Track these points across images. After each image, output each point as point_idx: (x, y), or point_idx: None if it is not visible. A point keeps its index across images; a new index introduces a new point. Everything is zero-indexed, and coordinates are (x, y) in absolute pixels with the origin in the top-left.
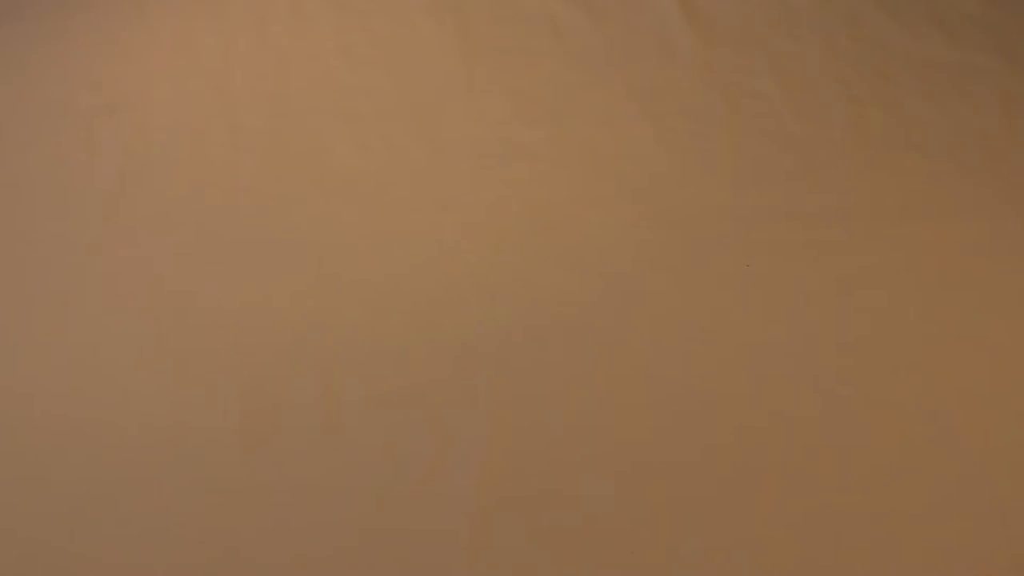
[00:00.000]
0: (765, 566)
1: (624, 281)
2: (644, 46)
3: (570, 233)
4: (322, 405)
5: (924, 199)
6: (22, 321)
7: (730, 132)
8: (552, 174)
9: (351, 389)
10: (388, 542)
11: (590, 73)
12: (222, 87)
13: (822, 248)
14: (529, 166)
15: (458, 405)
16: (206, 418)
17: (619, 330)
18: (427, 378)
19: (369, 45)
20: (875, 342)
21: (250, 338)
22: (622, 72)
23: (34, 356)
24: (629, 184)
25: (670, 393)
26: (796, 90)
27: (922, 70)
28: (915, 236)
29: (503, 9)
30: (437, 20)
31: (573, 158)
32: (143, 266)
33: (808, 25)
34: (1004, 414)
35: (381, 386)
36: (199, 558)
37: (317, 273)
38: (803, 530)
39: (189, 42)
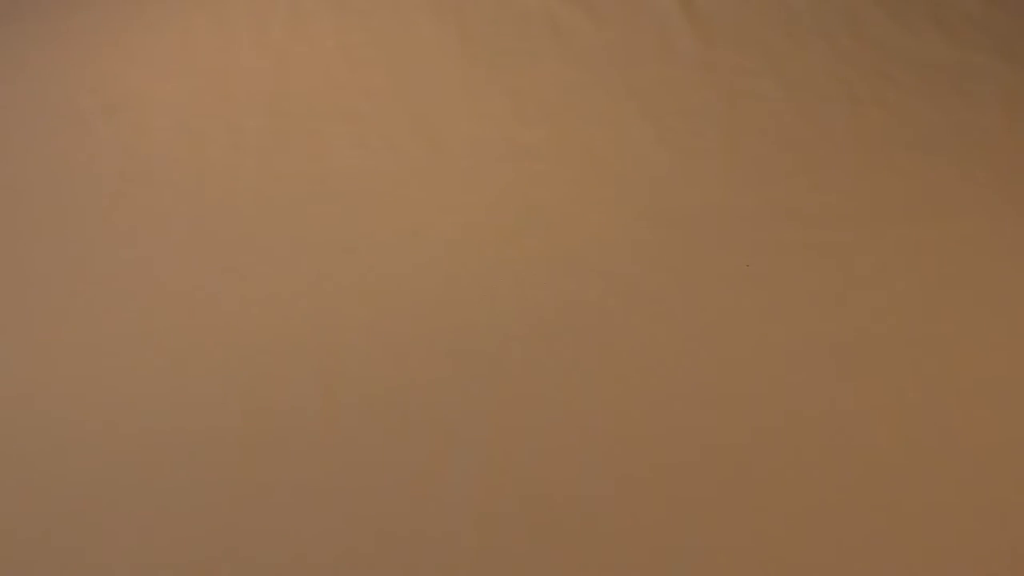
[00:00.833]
0: (765, 566)
1: (624, 281)
2: (644, 46)
3: (570, 233)
4: (322, 405)
5: (924, 199)
6: (22, 321)
7: (730, 132)
8: (552, 174)
9: (351, 389)
10: (388, 542)
11: (590, 73)
12: (222, 87)
13: (822, 248)
14: (529, 166)
15: (458, 405)
16: (206, 418)
17: (619, 330)
18: (427, 378)
19: (369, 45)
20: (875, 342)
21: (250, 338)
22: (622, 72)
23: (34, 356)
24: (629, 184)
25: (670, 393)
26: (796, 90)
27: (922, 70)
28: (915, 236)
29: (503, 9)
30: (437, 20)
31: (573, 158)
32: (143, 266)
33: (808, 25)
34: (1004, 414)
35: (381, 386)
36: (199, 558)
37: (317, 273)
38: (803, 530)
39: (189, 42)
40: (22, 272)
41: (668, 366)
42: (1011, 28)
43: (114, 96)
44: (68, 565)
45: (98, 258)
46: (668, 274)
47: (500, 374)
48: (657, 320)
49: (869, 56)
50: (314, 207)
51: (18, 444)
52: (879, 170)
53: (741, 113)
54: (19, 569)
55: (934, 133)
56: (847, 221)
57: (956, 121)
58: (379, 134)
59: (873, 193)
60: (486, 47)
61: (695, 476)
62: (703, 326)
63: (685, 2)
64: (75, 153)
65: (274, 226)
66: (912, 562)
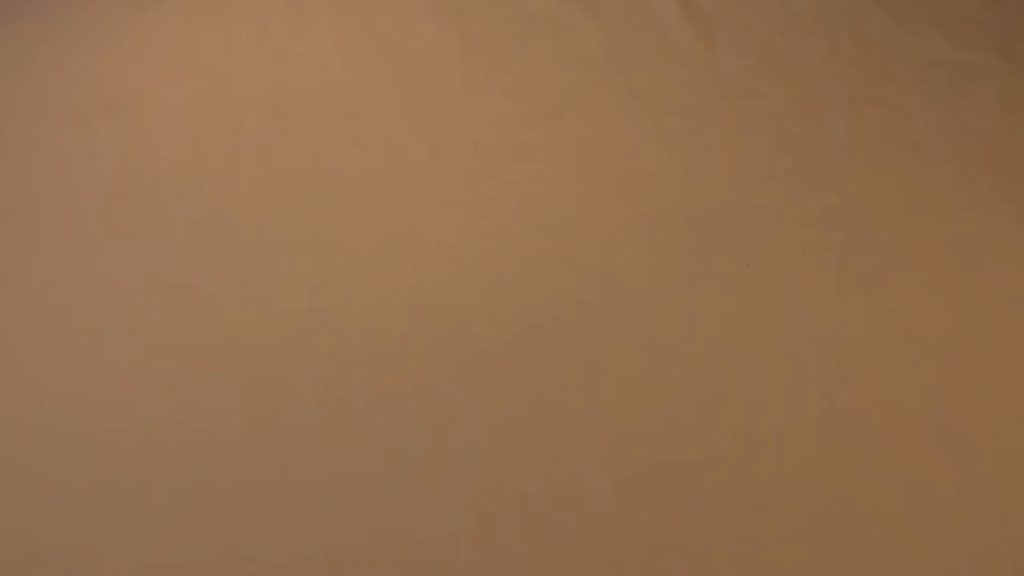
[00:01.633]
0: (765, 566)
1: (624, 281)
2: (644, 46)
3: (570, 233)
4: (321, 404)
5: (924, 199)
6: (22, 321)
7: (730, 132)
8: (552, 174)
9: (351, 389)
10: (388, 542)
11: (590, 73)
12: (222, 87)
13: (822, 248)
14: (529, 166)
15: (458, 405)
16: (206, 418)
17: (619, 330)
18: (427, 378)
19: (369, 45)
20: (875, 342)
21: (250, 338)
22: (622, 72)
23: (34, 356)
24: (629, 184)
25: (670, 393)
26: (796, 90)
27: (922, 70)
28: (915, 236)
29: (503, 9)
30: (437, 20)
31: (573, 158)
32: (143, 266)
33: (808, 25)
34: (1005, 414)
35: (381, 385)
36: (199, 558)
37: (317, 273)
38: (803, 529)
39: (189, 42)
40: (22, 272)
41: (668, 366)
42: (1011, 28)
43: (114, 96)
44: (68, 565)
45: (98, 258)
46: (668, 274)
47: (500, 374)
48: (657, 320)
49: (869, 56)
50: (314, 207)
51: (18, 443)
52: (879, 170)
53: (741, 113)
54: (19, 569)
55: (934, 133)
56: (847, 221)
57: (956, 121)
58: (379, 134)
59: (873, 193)
60: (486, 47)
61: (695, 476)
62: (703, 326)
63: (685, 2)
64: (75, 153)
65: (274, 226)
66: (912, 562)
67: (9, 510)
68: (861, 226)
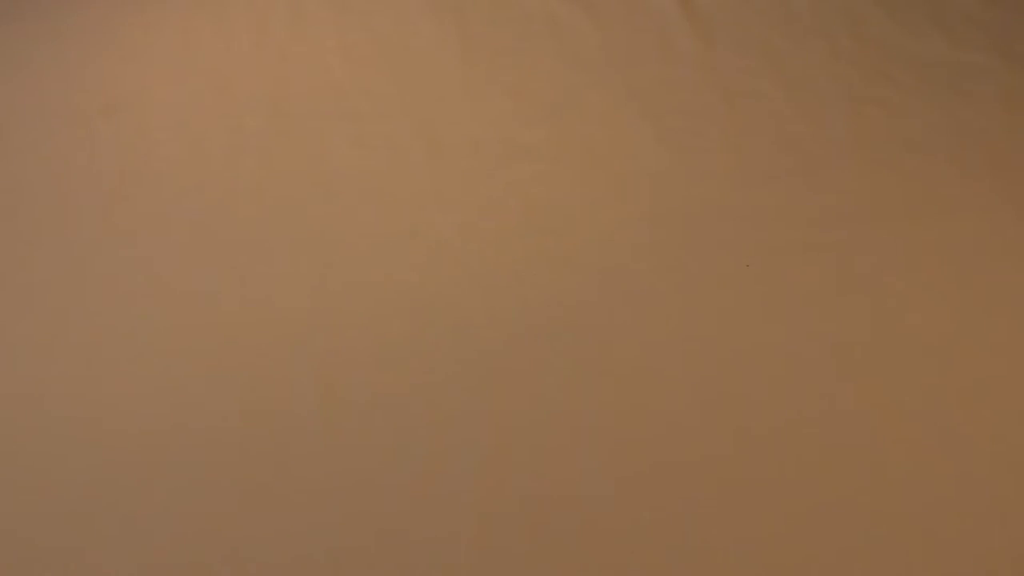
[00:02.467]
0: (765, 565)
1: (624, 281)
2: (644, 46)
3: (570, 233)
4: (321, 404)
5: (924, 199)
6: (22, 321)
7: (730, 132)
8: (552, 174)
9: (351, 388)
10: (388, 542)
11: (590, 73)
12: (222, 87)
13: (822, 248)
14: (529, 166)
15: (458, 405)
16: (206, 418)
17: (619, 330)
18: (427, 378)
19: (369, 45)
20: (875, 342)
21: (250, 337)
22: (622, 72)
23: (34, 356)
24: (629, 184)
25: (670, 393)
26: (796, 90)
27: (922, 70)
28: (915, 236)
29: (503, 9)
30: (437, 20)
31: (573, 158)
32: (143, 266)
33: (808, 25)
34: (1004, 414)
35: (381, 385)
36: (199, 558)
37: (317, 273)
38: (803, 529)
39: (189, 42)
40: (22, 272)
41: (668, 366)
42: (1011, 28)
43: (114, 96)
44: (68, 565)
45: (98, 258)
46: (668, 274)
47: (500, 374)
48: (657, 320)
49: (869, 56)
50: (314, 207)
51: (18, 443)
52: (879, 170)
53: (741, 113)
54: (19, 569)
55: (934, 133)
56: (847, 221)
57: (956, 121)
58: (379, 134)
59: (873, 193)
60: (486, 47)
61: (695, 476)
62: (703, 326)
63: (685, 2)
64: (75, 153)
65: (274, 226)
66: (912, 562)
67: (9, 510)
68: (861, 226)
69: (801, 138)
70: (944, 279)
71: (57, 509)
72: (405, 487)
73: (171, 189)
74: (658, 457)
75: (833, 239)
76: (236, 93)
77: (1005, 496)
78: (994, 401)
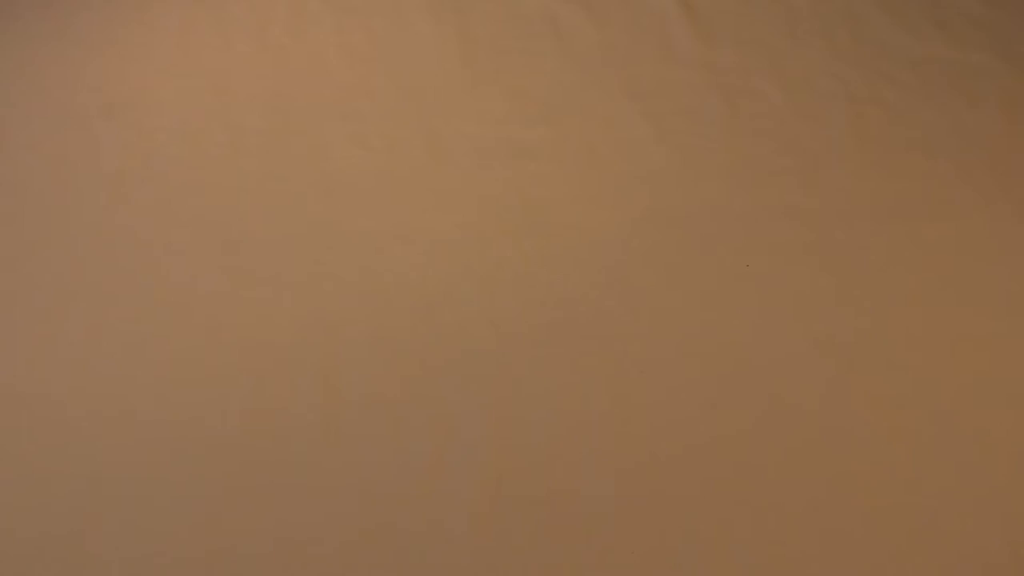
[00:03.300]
0: (765, 564)
1: (624, 280)
2: (644, 46)
3: (570, 233)
4: (321, 404)
5: (924, 199)
6: (22, 321)
7: (730, 132)
8: (552, 174)
9: (351, 388)
10: (389, 542)
11: (590, 73)
12: (222, 87)
13: (822, 248)
14: (529, 166)
15: (458, 404)
16: (206, 417)
17: (619, 329)
18: (427, 377)
19: (369, 45)
20: (875, 342)
21: (250, 337)
22: (622, 72)
23: (34, 356)
24: (629, 184)
25: (670, 392)
26: (796, 90)
27: (922, 70)
28: (915, 236)
29: (503, 9)
30: (437, 20)
31: (573, 158)
32: (143, 266)
33: (808, 25)
34: (1004, 414)
35: (381, 385)
36: (199, 557)
37: (317, 272)
38: (803, 528)
39: (189, 42)
40: (22, 272)
41: (668, 365)
42: (1011, 28)
43: (114, 96)
44: (68, 565)
45: (98, 258)
46: (668, 273)
47: (500, 373)
48: (657, 320)
49: (869, 56)
50: (314, 207)
51: (18, 443)
52: (879, 170)
53: (741, 113)
54: (19, 569)
55: (934, 133)
56: (846, 221)
57: (956, 121)
58: (379, 134)
59: (873, 193)
60: (486, 47)
61: (695, 474)
62: (703, 325)
63: (685, 2)
64: (75, 153)
65: (274, 226)
66: (912, 561)
67: (9, 510)
68: (861, 226)
69: (801, 138)
70: (944, 279)
71: (57, 509)
72: (404, 486)
73: (171, 189)
74: (658, 456)
75: (833, 239)
76: (236, 93)
77: (1005, 496)
78: (994, 400)
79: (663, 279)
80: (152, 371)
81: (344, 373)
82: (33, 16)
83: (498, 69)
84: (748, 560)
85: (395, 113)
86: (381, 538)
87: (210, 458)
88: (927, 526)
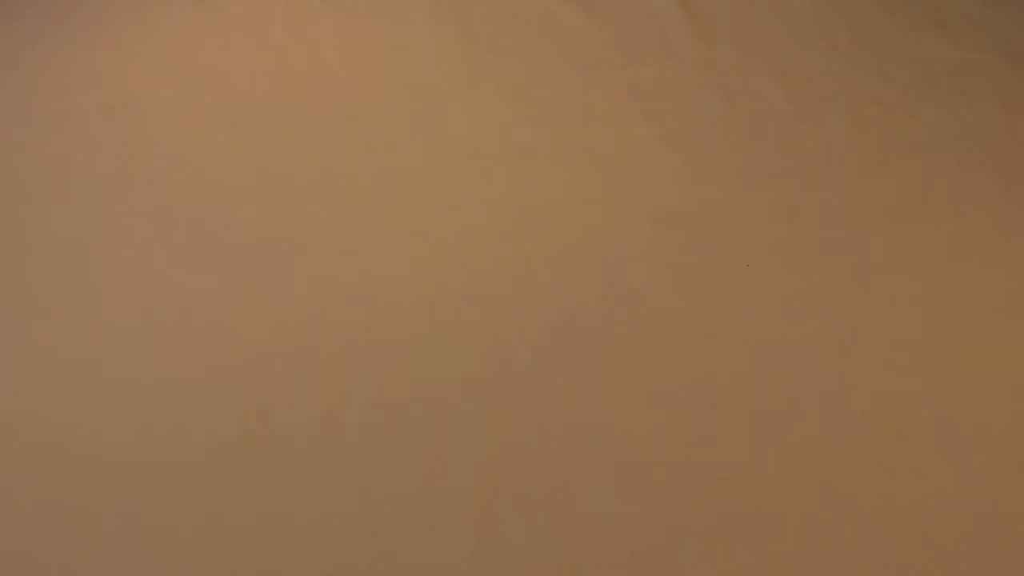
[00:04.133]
0: (765, 564)
1: (623, 281)
2: (644, 46)
3: (570, 233)
4: (322, 405)
5: (924, 199)
6: (22, 321)
7: (730, 132)
8: (552, 174)
9: (351, 389)
10: (389, 542)
11: (590, 73)
12: (222, 87)
13: (822, 248)
14: (529, 166)
15: (458, 405)
16: (206, 417)
17: (619, 329)
18: (427, 378)
19: (369, 45)
20: (875, 341)
21: (250, 337)
22: (622, 72)
23: (34, 356)
24: (629, 184)
25: (670, 392)
26: (796, 90)
27: (922, 70)
28: (915, 236)
29: (503, 9)
30: (437, 20)
31: (573, 158)
32: (143, 266)
33: (808, 25)
34: (1004, 414)
35: (381, 385)
36: (199, 557)
37: (316, 272)
38: (804, 528)
39: (189, 41)
40: (22, 272)
41: (668, 366)
42: (1011, 28)
43: (114, 96)
44: (68, 565)
45: (98, 258)
46: (668, 274)
47: (500, 373)
48: (657, 320)
49: (869, 56)
50: (314, 207)
51: (17, 444)
52: (879, 170)
53: (741, 113)
54: (19, 569)
55: (934, 133)
56: (847, 221)
57: (956, 121)
58: (379, 134)
59: (873, 193)
60: (486, 47)
61: (695, 475)
62: (703, 326)
63: (685, 2)
64: (75, 153)
65: (274, 226)
66: (912, 562)
67: (8, 510)
68: (861, 226)
69: (801, 138)
70: (944, 279)
71: (56, 509)
72: (405, 487)
73: (171, 189)
74: (658, 456)
75: (833, 239)
76: (236, 93)
77: (1005, 495)
78: (995, 401)
79: (663, 279)
80: (152, 371)
81: (344, 373)
82: (32, 15)
83: (498, 69)
84: (748, 560)
85: (395, 113)
86: (380, 539)
87: (210, 458)
88: (927, 526)
